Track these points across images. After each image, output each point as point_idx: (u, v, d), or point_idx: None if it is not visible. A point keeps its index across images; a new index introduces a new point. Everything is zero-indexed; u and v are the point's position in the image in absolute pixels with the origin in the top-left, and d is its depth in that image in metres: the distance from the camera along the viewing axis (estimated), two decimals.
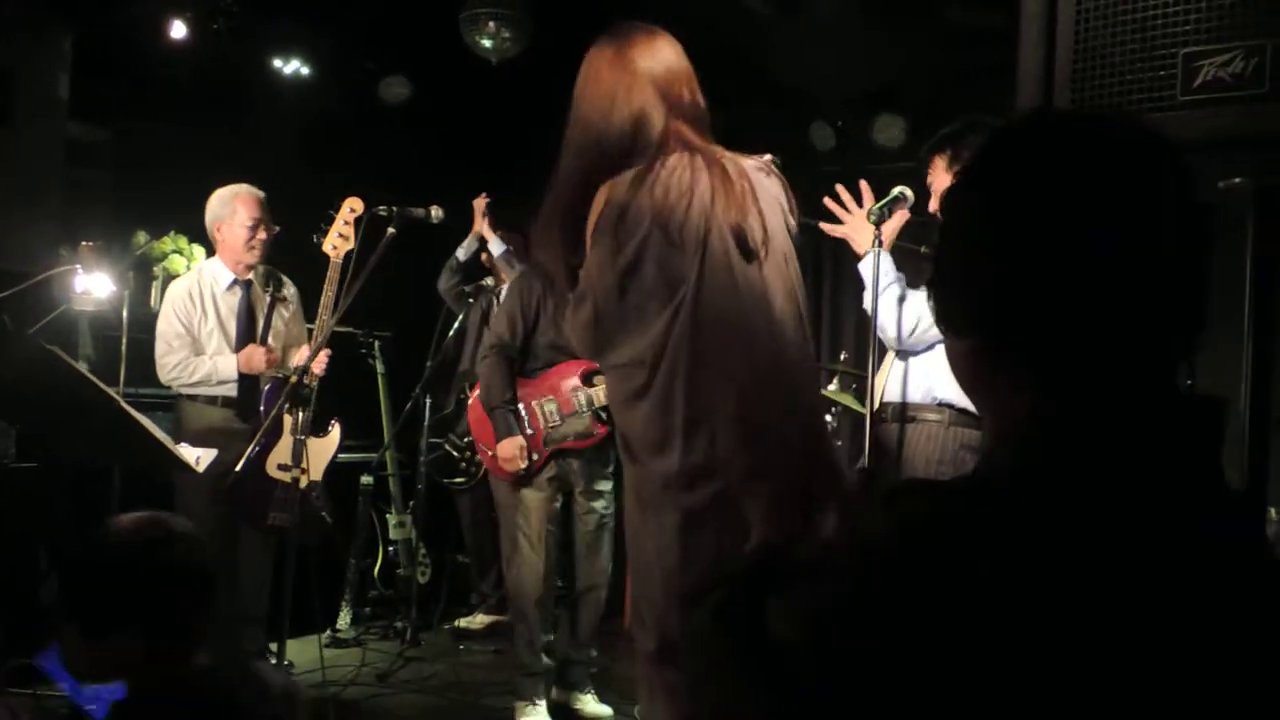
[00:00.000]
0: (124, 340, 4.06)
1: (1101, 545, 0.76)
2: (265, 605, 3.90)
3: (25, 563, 3.92)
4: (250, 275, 4.02)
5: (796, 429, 2.08)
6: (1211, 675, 0.76)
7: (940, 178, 2.89)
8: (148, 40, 4.92)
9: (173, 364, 3.86)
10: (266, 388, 3.85)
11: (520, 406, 3.86)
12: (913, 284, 3.02)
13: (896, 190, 2.99)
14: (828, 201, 3.04)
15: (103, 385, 2.82)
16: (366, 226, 3.82)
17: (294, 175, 4.60)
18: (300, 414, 3.48)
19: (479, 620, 5.18)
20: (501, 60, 5.13)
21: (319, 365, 3.69)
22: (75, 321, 4.29)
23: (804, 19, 4.96)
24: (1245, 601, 0.79)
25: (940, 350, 2.84)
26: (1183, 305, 0.84)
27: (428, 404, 5.00)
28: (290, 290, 4.16)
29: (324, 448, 3.93)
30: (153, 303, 4.72)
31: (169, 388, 3.96)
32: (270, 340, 4.01)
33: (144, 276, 4.79)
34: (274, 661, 3.37)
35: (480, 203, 5.00)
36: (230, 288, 4.00)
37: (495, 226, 4.94)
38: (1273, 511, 2.89)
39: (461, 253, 5.13)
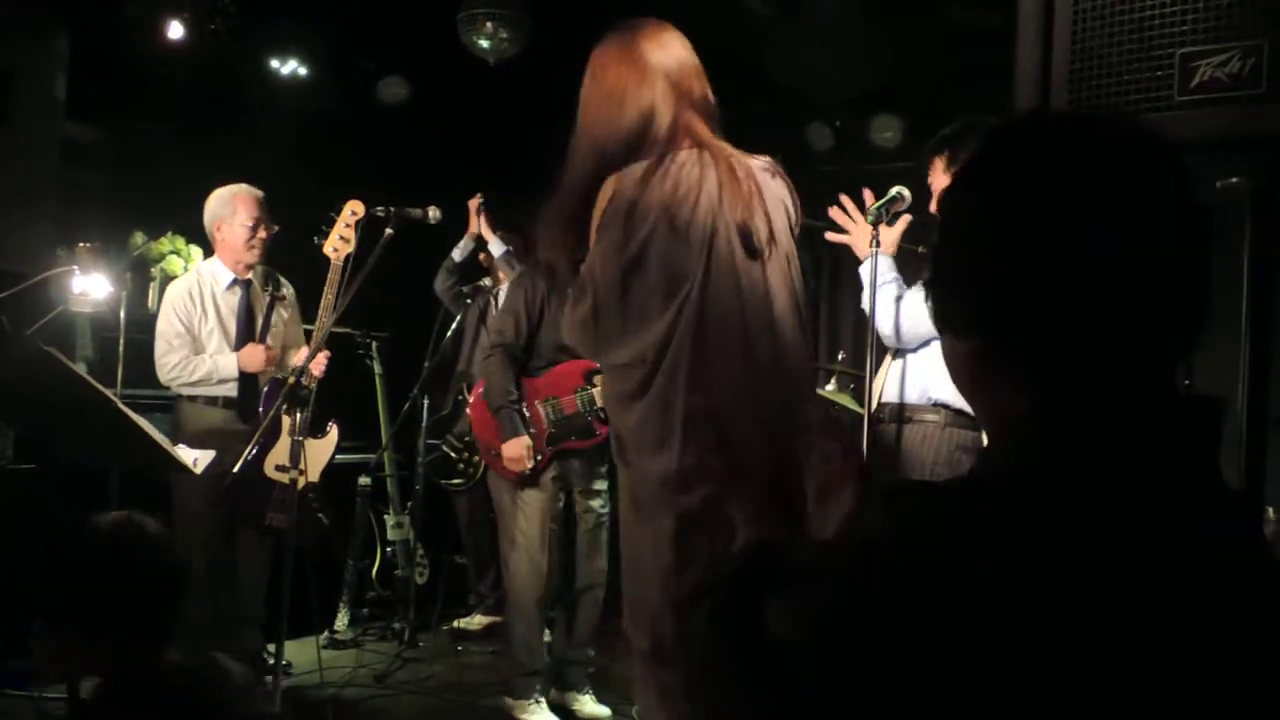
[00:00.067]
0: (121, 341, 4.05)
1: (1100, 545, 0.77)
2: (263, 606, 3.90)
3: (24, 563, 3.91)
4: (250, 275, 4.02)
5: (789, 431, 2.08)
6: (1210, 675, 0.76)
7: (940, 179, 2.89)
8: (145, 40, 4.90)
9: (173, 363, 3.86)
10: (265, 389, 3.85)
11: (523, 406, 3.86)
12: (911, 285, 3.02)
13: (894, 190, 2.99)
14: (832, 211, 3.03)
15: (100, 386, 2.82)
16: (364, 227, 3.81)
17: (291, 176, 4.58)
18: (298, 415, 3.48)
19: (477, 621, 5.17)
20: (499, 60, 5.12)
21: (318, 367, 3.68)
22: (73, 322, 4.28)
23: (803, 19, 4.96)
24: (1243, 601, 0.79)
25: (936, 349, 2.84)
26: (1181, 305, 0.84)
27: (425, 405, 4.99)
28: (288, 291, 4.16)
29: (322, 449, 3.93)
30: (150, 303, 4.72)
31: (167, 388, 3.95)
32: (269, 339, 4.01)
33: (141, 277, 4.78)
34: (272, 662, 3.36)
35: (475, 203, 4.98)
36: (230, 287, 4.00)
37: (495, 227, 4.91)
38: (1271, 511, 2.89)
39: (457, 253, 5.09)
